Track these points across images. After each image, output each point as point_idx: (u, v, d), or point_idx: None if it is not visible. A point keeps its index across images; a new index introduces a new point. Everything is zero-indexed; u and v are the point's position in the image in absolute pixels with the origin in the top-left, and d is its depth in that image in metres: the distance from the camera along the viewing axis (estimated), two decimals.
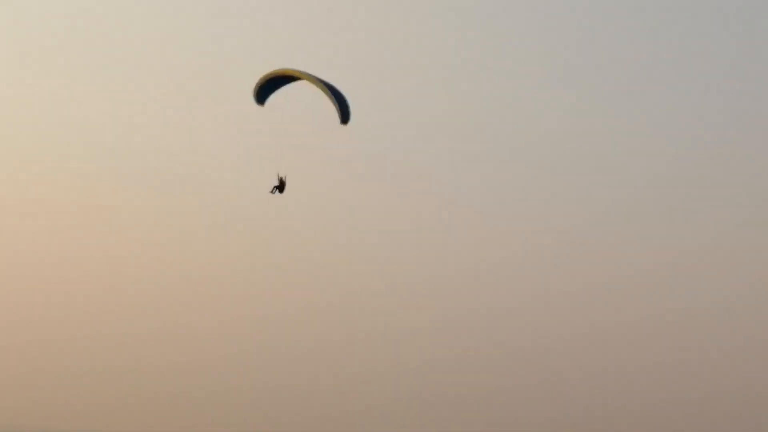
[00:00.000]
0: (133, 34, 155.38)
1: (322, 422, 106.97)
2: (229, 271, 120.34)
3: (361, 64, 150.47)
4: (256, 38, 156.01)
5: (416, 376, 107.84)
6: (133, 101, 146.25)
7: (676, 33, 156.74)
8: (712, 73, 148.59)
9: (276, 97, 48.38)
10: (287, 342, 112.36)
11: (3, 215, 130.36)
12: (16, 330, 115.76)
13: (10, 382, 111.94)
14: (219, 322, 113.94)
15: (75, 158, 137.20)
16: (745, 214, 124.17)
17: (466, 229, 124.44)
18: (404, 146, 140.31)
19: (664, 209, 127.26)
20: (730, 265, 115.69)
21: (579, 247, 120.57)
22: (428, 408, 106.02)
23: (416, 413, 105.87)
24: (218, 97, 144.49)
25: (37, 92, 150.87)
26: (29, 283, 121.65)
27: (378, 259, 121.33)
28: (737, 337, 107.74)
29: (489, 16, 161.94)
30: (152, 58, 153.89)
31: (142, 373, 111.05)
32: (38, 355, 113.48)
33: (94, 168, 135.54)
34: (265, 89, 48.09)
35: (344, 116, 46.60)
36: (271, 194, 49.92)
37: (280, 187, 49.87)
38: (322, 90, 46.45)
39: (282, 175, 49.53)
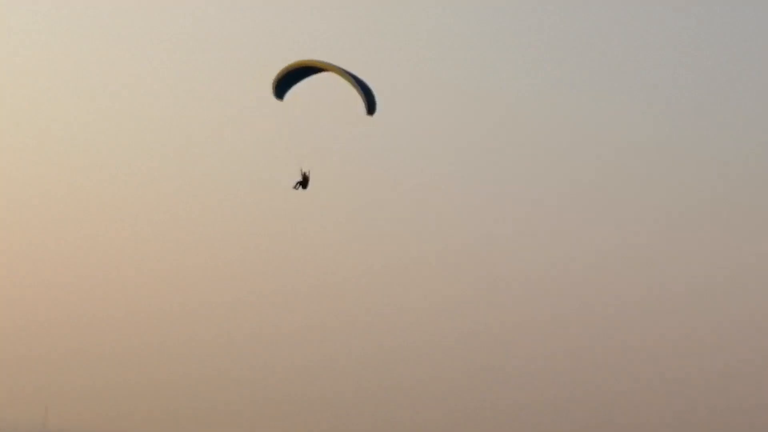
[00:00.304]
0: (149, 27, 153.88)
1: (325, 422, 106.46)
2: (251, 266, 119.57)
3: (388, 60, 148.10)
4: (271, 32, 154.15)
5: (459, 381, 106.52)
6: (150, 98, 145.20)
7: None
8: None
9: (297, 90, 47.02)
10: (302, 339, 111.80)
11: (4, 215, 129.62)
12: (16, 330, 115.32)
13: (9, 382, 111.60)
14: (240, 321, 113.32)
15: (93, 154, 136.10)
16: None
17: (510, 227, 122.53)
18: (430, 143, 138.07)
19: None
20: None
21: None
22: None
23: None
24: (237, 91, 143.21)
25: (52, 90, 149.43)
26: (29, 284, 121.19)
27: (403, 257, 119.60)
28: None
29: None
30: (170, 53, 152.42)
31: (143, 373, 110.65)
32: (39, 354, 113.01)
33: (113, 164, 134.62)
34: (284, 83, 46.73)
35: (371, 106, 45.26)
36: (294, 190, 48.42)
37: (304, 182, 48.27)
38: (347, 80, 45.00)
39: (306, 170, 47.97)
